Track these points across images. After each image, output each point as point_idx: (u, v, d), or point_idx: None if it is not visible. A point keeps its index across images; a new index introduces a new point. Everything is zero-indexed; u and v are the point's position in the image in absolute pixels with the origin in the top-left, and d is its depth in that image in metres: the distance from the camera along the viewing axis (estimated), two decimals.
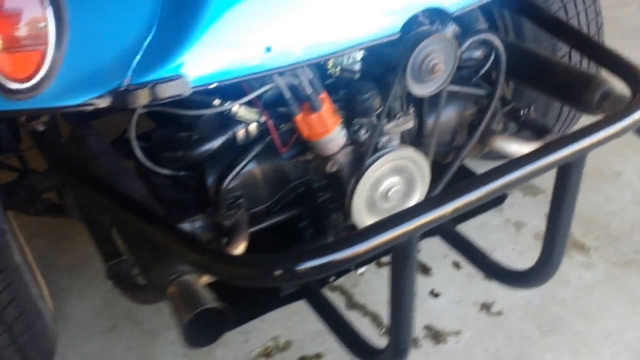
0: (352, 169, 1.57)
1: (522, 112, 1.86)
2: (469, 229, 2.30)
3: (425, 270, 2.21)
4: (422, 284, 2.15)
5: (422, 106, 1.68)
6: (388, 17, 1.38)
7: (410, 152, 1.59)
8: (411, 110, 1.64)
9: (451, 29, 1.57)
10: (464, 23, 1.68)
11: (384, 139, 1.59)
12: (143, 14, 1.21)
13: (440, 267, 2.21)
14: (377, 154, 1.55)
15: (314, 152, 1.54)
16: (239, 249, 1.48)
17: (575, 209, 2.31)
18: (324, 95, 1.47)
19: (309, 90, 1.41)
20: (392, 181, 1.59)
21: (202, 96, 1.39)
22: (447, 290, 2.13)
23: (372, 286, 2.16)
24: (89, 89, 1.17)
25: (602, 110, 1.63)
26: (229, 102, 1.41)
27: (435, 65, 1.45)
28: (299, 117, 1.45)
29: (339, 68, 1.49)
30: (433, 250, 2.25)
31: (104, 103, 1.18)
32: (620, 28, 3.53)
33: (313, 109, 1.43)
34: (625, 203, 2.42)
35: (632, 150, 2.65)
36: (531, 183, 2.52)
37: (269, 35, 1.26)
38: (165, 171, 1.54)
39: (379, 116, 1.56)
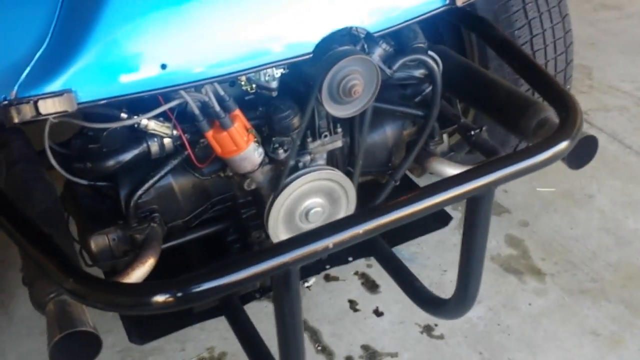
0: (270, 188, 1.53)
1: (472, 133, 1.80)
2: (426, 246, 2.27)
3: (374, 287, 2.17)
4: (368, 302, 2.12)
5: (352, 125, 1.63)
6: (297, 37, 1.34)
7: (331, 173, 1.55)
8: (339, 129, 1.59)
9: (378, 49, 1.52)
10: (402, 41, 1.63)
11: (306, 158, 1.56)
12: (36, 27, 1.19)
13: (389, 286, 2.16)
14: (295, 174, 1.52)
15: (231, 169, 1.51)
16: (147, 264, 1.46)
17: (538, 231, 2.26)
18: (236, 112, 1.43)
19: (216, 107, 1.38)
20: (313, 202, 1.56)
21: (109, 109, 1.36)
22: (391, 310, 2.09)
23: (315, 301, 2.13)
24: None
25: (538, 139, 1.56)
26: (136, 116, 1.38)
27: (353, 87, 1.40)
28: (209, 134, 1.42)
29: (254, 85, 1.45)
30: None
31: None
32: (620, 41, 3.42)
33: (222, 126, 1.40)
34: (592, 228, 2.33)
35: (608, 173, 2.56)
36: (496, 201, 2.45)
37: (165, 52, 1.24)
38: (82, 181, 1.52)
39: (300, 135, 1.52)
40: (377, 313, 2.08)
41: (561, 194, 2.48)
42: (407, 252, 2.28)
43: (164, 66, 1.24)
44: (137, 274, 1.45)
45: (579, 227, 2.34)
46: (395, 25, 1.43)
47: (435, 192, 1.21)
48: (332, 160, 1.63)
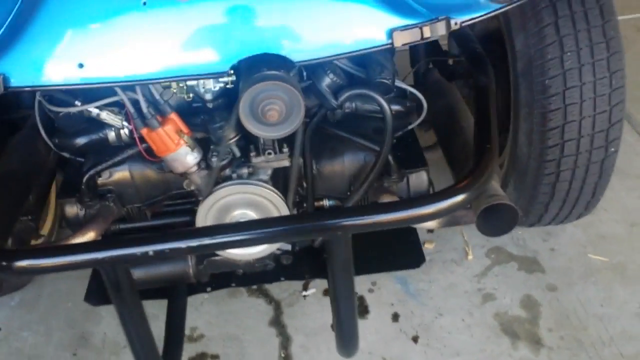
0: (206, 192, 1.63)
1: None
2: (436, 286, 2.19)
3: (364, 312, 2.15)
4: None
5: (302, 148, 1.66)
6: (211, 56, 1.41)
7: (259, 189, 1.60)
8: (285, 149, 1.63)
9: (326, 79, 1.54)
10: (368, 74, 1.62)
11: (244, 170, 1.63)
12: None
13: (379, 316, 2.13)
14: (223, 184, 1.60)
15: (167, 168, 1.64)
16: (85, 236, 1.66)
17: (562, 299, 2.05)
18: (171, 116, 1.56)
19: (144, 108, 1.51)
20: (241, 213, 1.62)
21: (64, 95, 1.57)
22: (367, 338, 2.05)
23: (304, 310, 2.17)
24: None
25: None
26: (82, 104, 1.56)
27: (269, 112, 1.44)
28: (143, 131, 1.56)
29: (191, 95, 1.55)
30: (385, 296, 2.17)
31: None
32: None
33: (150, 126, 1.53)
34: (626, 311, 2.05)
35: None
36: (535, 257, 2.26)
37: (82, 52, 1.39)
38: (64, 154, 1.75)
39: (241, 147, 1.60)
40: None
41: (612, 265, 2.20)
42: (414, 287, 2.21)
43: (81, 65, 1.40)
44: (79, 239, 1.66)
45: (612, 306, 2.07)
46: (322, 58, 1.43)
47: (264, 226, 1.22)
48: (278, 178, 1.67)
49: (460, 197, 1.26)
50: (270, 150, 1.62)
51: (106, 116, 1.60)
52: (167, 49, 1.41)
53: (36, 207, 1.81)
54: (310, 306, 2.19)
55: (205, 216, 1.61)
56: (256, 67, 1.43)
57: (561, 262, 2.25)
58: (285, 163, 1.65)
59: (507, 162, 2.16)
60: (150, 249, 1.22)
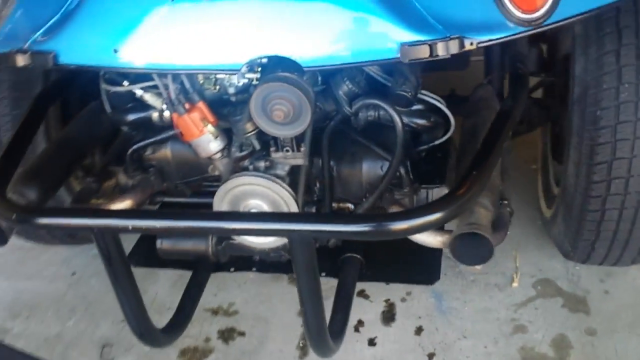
0: (223, 178, 1.74)
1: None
2: (470, 307, 2.15)
3: (390, 320, 2.16)
4: (373, 329, 2.12)
5: (319, 149, 1.71)
6: (225, 54, 1.50)
7: (270, 183, 1.67)
8: (303, 148, 1.69)
9: (343, 86, 1.59)
10: (392, 85, 1.64)
11: (261, 163, 1.71)
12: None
13: (403, 326, 2.13)
14: (239, 173, 1.69)
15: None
16: (123, 203, 1.84)
17: (599, 345, 1.99)
18: (199, 105, 1.67)
19: (173, 95, 1.65)
20: (254, 203, 1.71)
21: (115, 75, 1.75)
22: (385, 346, 2.07)
23: None
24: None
25: None
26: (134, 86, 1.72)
27: (275, 111, 1.51)
28: (173, 116, 1.70)
29: (217, 87, 1.66)
30: (416, 308, 2.17)
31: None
32: None
33: (177, 112, 1.67)
34: None
35: None
36: (584, 296, 2.14)
37: (117, 39, 1.55)
38: (123, 128, 1.95)
39: (263, 141, 1.69)
40: (371, 342, 2.09)
41: None
42: (447, 304, 2.19)
43: (115, 50, 1.55)
44: (115, 208, 1.85)
45: None
46: (330, 66, 1.47)
47: (226, 219, 1.30)
48: (295, 176, 1.73)
49: (426, 219, 1.25)
50: (288, 148, 1.69)
51: (148, 98, 1.76)
52: (188, 43, 1.52)
53: (100, 172, 2.02)
54: None
55: (220, 201, 1.72)
56: (273, 67, 1.50)
57: (611, 306, 2.11)
58: (300, 161, 1.71)
59: (559, 191, 2.07)
60: (130, 223, 1.35)
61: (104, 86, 1.79)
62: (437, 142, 1.77)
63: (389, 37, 1.44)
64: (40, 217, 1.41)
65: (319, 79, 1.62)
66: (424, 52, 1.41)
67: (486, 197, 1.46)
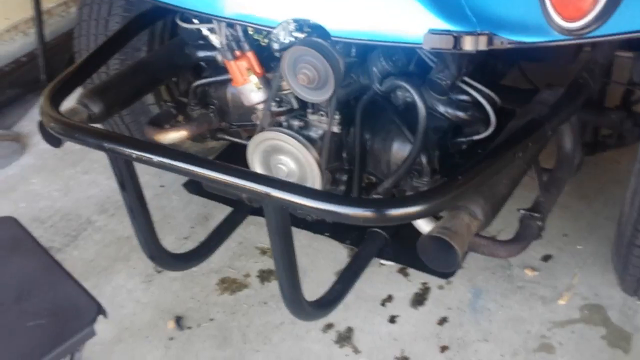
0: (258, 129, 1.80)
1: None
2: (502, 313, 2.07)
3: (419, 302, 2.13)
4: (399, 308, 2.12)
5: (350, 118, 1.70)
6: (261, 11, 1.53)
7: (295, 143, 1.70)
8: (337, 116, 1.69)
9: (378, 64, 1.56)
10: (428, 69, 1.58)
11: (297, 122, 1.74)
12: None
13: (428, 312, 2.10)
14: (272, 127, 1.74)
15: None
16: (179, 133, 1.98)
17: None
18: (248, 54, 1.73)
19: (223, 40, 1.71)
20: (282, 159, 1.76)
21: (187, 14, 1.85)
22: (404, 327, 2.06)
23: (371, 277, 2.22)
24: None
25: None
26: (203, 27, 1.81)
27: (300, 75, 1.53)
28: (225, 60, 1.77)
29: (266, 40, 1.70)
30: (449, 298, 2.12)
31: None
32: None
33: (226, 57, 1.74)
34: None
35: None
36: (629, 333, 1.96)
37: None
38: (202, 63, 2.06)
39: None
40: (392, 320, 2.09)
41: None
42: (483, 303, 2.11)
43: None
44: (170, 135, 2.00)
45: None
46: (356, 39, 1.45)
47: (205, 166, 1.35)
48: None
49: (393, 211, 1.22)
50: (323, 112, 1.70)
51: (213, 38, 1.84)
52: None
53: (177, 100, 2.16)
54: (377, 276, 2.23)
55: (253, 151, 1.78)
56: (312, 31, 1.51)
57: None
58: (335, 129, 1.71)
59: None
60: (134, 153, 1.46)
61: (178, 22, 1.89)
62: (475, 138, 1.68)
63: (417, 21, 1.38)
64: (65, 131, 1.55)
65: (353, 50, 1.59)
66: (447, 43, 1.34)
67: (477, 206, 1.38)
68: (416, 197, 1.30)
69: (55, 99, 1.65)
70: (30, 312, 1.44)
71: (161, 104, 2.28)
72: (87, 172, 2.89)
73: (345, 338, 2.04)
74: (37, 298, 1.47)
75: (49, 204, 2.69)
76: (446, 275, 2.12)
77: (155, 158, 1.43)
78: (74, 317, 1.41)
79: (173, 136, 2.00)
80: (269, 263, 2.32)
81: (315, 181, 1.74)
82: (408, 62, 1.63)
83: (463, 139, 1.69)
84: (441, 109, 1.62)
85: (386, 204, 1.25)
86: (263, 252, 2.37)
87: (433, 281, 2.19)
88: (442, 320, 2.06)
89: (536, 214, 1.63)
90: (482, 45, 1.34)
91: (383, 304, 2.14)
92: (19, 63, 3.42)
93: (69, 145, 3.16)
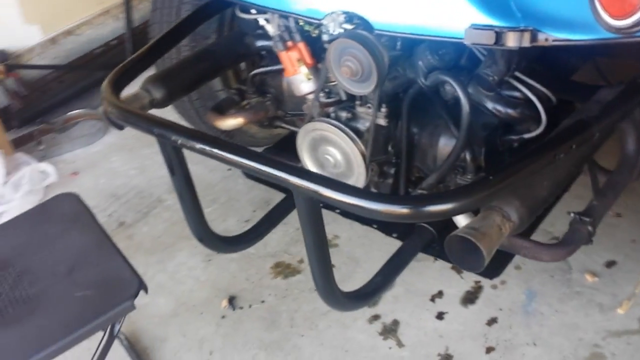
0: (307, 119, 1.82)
1: None
2: (555, 319, 2.01)
3: (469, 301, 2.10)
4: (448, 304, 2.10)
5: (397, 111, 1.69)
6: (310, 4, 1.55)
7: (340, 134, 1.71)
8: (383, 109, 1.69)
9: (424, 58, 1.55)
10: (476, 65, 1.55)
11: (345, 114, 1.75)
12: None
13: (479, 311, 2.07)
14: (317, 118, 1.76)
15: None
16: (236, 119, 2.04)
17: None
18: (299, 45, 1.76)
19: (277, 31, 1.75)
20: (329, 150, 1.77)
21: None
22: (451, 323, 2.04)
23: (422, 271, 2.22)
24: None
25: None
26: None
27: (342, 67, 1.55)
28: (277, 51, 1.81)
29: (316, 31, 1.71)
30: (502, 299, 2.08)
31: None
32: None
33: (278, 47, 1.77)
34: None
35: None
36: None
37: None
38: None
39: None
40: (440, 316, 2.07)
41: None
42: (536, 306, 2.06)
43: None
44: (228, 122, 2.07)
45: None
46: (398, 33, 1.44)
47: (239, 154, 1.39)
48: (377, 135, 1.74)
49: (418, 209, 1.21)
50: (370, 104, 1.70)
51: (269, 28, 1.87)
52: None
53: (241, 86, 2.21)
54: (430, 271, 2.22)
55: (302, 140, 1.81)
56: (359, 24, 1.52)
57: None
58: (382, 122, 1.71)
59: None
60: (179, 139, 1.52)
61: (237, 13, 1.94)
62: (526, 136, 1.63)
63: (460, 15, 1.35)
64: (120, 116, 1.62)
65: (399, 43, 1.57)
66: (488, 39, 1.32)
67: (512, 207, 1.34)
68: (438, 196, 1.29)
69: (117, 85, 1.73)
70: (79, 283, 1.54)
71: (225, 91, 2.34)
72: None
73: (390, 330, 2.05)
74: (87, 271, 1.57)
75: (125, 181, 2.84)
76: (491, 275, 2.07)
77: (198, 145, 1.48)
78: (117, 291, 1.50)
79: (230, 122, 2.06)
80: None
81: (360, 173, 1.74)
82: (457, 56, 1.60)
83: (514, 137, 1.64)
84: (489, 105, 1.59)
85: (407, 200, 1.24)
86: None
87: (486, 280, 2.14)
88: (492, 321, 2.02)
89: (586, 218, 1.57)
90: (526, 42, 1.30)
91: (432, 300, 2.12)
92: (109, 46, 3.61)
93: None
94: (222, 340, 2.10)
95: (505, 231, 1.33)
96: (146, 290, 1.54)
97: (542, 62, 1.82)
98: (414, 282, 2.18)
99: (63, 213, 1.75)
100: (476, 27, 1.32)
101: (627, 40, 1.24)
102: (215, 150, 1.45)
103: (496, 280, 2.14)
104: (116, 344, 2.08)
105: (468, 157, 1.61)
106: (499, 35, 1.30)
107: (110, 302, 1.47)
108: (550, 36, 1.29)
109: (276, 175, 1.36)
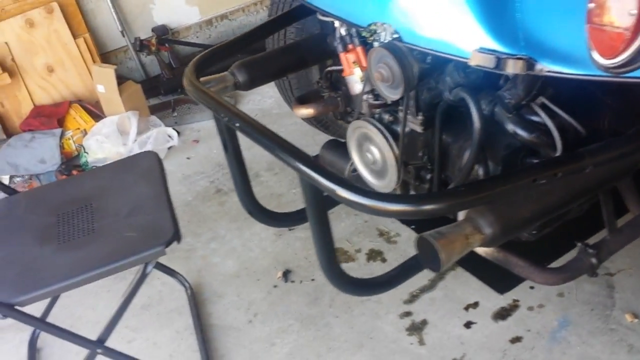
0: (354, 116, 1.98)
1: None
2: (580, 350, 2.01)
3: (501, 318, 2.14)
4: (481, 316, 2.15)
5: (433, 120, 1.80)
6: (358, 10, 1.71)
7: (376, 133, 1.84)
8: (419, 117, 1.81)
9: (452, 73, 1.65)
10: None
11: (387, 116, 1.89)
12: None
13: (508, 329, 2.11)
14: (364, 118, 1.92)
15: None
16: (305, 111, 2.25)
17: None
18: (357, 48, 1.92)
19: (338, 34, 1.92)
20: (371, 148, 1.92)
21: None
22: (478, 326, 2.10)
23: (452, 289, 2.29)
24: None
25: None
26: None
27: (376, 73, 1.70)
28: (339, 52, 1.99)
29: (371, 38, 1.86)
30: (534, 320, 2.10)
31: None
32: None
33: (337, 49, 1.95)
34: None
35: None
36: None
37: None
38: None
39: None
40: (467, 325, 2.13)
41: None
42: (565, 335, 2.05)
43: None
44: (301, 111, 2.29)
45: None
46: (419, 47, 1.56)
47: (263, 134, 1.59)
48: (411, 138, 1.86)
49: (392, 206, 1.33)
50: (407, 112, 1.82)
51: (342, 31, 2.05)
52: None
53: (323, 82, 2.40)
54: (472, 281, 2.27)
55: (351, 135, 1.96)
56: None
57: None
58: (417, 128, 1.82)
59: None
60: (226, 118, 1.75)
61: (318, 15, 2.13)
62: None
63: (471, 38, 1.44)
64: (194, 93, 1.89)
65: (429, 58, 1.68)
66: (489, 62, 1.39)
67: (485, 221, 1.41)
68: (412, 197, 1.39)
69: (199, 67, 2.00)
70: (131, 225, 1.84)
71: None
72: None
73: (417, 328, 2.15)
74: (141, 216, 1.87)
75: None
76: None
77: (237, 124, 1.72)
78: (155, 237, 1.77)
79: (303, 112, 2.27)
80: (381, 245, 2.49)
81: (393, 173, 1.87)
82: (486, 76, 1.67)
83: (535, 160, 1.68)
84: (508, 126, 1.64)
85: (383, 198, 1.36)
86: (381, 234, 2.55)
87: (525, 300, 2.17)
88: (516, 339, 2.06)
89: (591, 250, 1.58)
90: (521, 69, 1.37)
91: (466, 309, 2.19)
92: None
93: (260, 109, 3.62)
94: (268, 306, 2.33)
95: (473, 242, 1.40)
96: (179, 241, 1.79)
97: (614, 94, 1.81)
98: (455, 289, 2.26)
99: (141, 166, 2.07)
100: (482, 50, 1.41)
101: (618, 80, 1.27)
102: (248, 131, 1.68)
103: (535, 302, 2.15)
104: (182, 291, 2.41)
105: (480, 172, 1.68)
106: (499, 61, 1.38)
107: (146, 245, 1.74)
108: (545, 67, 1.34)
109: (285, 160, 1.55)
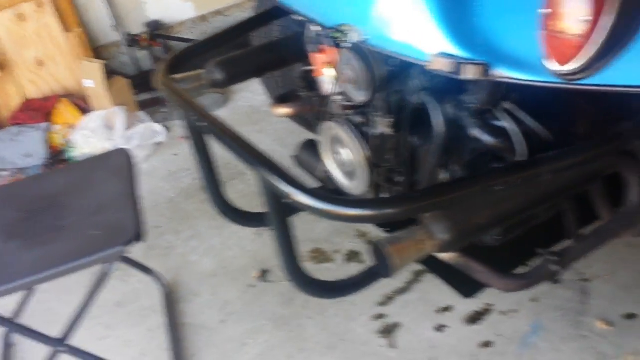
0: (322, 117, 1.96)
1: None
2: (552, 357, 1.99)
3: (473, 322, 2.13)
4: (449, 319, 2.14)
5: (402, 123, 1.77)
6: (328, 11, 1.69)
7: (347, 136, 1.83)
8: (389, 118, 1.79)
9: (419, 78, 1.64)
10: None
11: (359, 119, 1.87)
12: None
13: (478, 333, 2.09)
14: (335, 119, 1.90)
15: None
16: (282, 110, 2.24)
17: None
18: (329, 49, 1.90)
19: (312, 35, 1.90)
20: (339, 149, 1.91)
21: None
22: (446, 338, 2.09)
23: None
24: None
25: None
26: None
27: (342, 75, 1.68)
28: (309, 52, 1.97)
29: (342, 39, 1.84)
30: (505, 325, 2.08)
31: None
32: None
33: (310, 49, 1.93)
34: None
35: None
36: None
37: None
38: None
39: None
40: (438, 328, 2.12)
41: None
42: (536, 340, 2.02)
43: None
44: (278, 111, 2.28)
45: None
46: (384, 50, 1.53)
47: (228, 136, 1.58)
48: (382, 140, 1.83)
49: (336, 209, 1.32)
50: (380, 113, 1.80)
51: (313, 32, 2.03)
52: None
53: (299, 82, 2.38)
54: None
55: (322, 137, 1.95)
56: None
57: None
58: (387, 130, 1.80)
59: None
60: (191, 116, 1.74)
61: (292, 15, 2.11)
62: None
63: (431, 41, 1.42)
64: (165, 90, 1.88)
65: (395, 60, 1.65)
66: (448, 67, 1.37)
67: (440, 227, 1.39)
68: (366, 202, 1.37)
69: (173, 64, 2.00)
70: (96, 224, 1.83)
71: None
72: (261, 132, 3.31)
73: (388, 331, 2.14)
74: (106, 215, 1.86)
75: (220, 151, 3.13)
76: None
77: (200, 123, 1.71)
78: (117, 237, 1.76)
79: (280, 112, 2.26)
80: (360, 246, 2.47)
81: (362, 175, 1.85)
82: (452, 80, 1.64)
83: (499, 165, 1.65)
84: (473, 131, 1.61)
85: (333, 201, 1.34)
86: (361, 235, 2.53)
87: (498, 305, 2.14)
88: (486, 344, 2.03)
89: (552, 257, 1.56)
90: (474, 73, 1.35)
91: (439, 312, 2.17)
92: None
93: (250, 105, 3.62)
94: (242, 306, 2.32)
95: (425, 248, 1.39)
96: (139, 240, 1.78)
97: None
98: (431, 292, 2.24)
99: (112, 164, 2.06)
100: (441, 54, 1.39)
101: (573, 87, 1.24)
102: (213, 129, 1.67)
103: (508, 307, 2.13)
104: (157, 289, 2.40)
105: (443, 177, 1.66)
106: (457, 65, 1.36)
107: (107, 244, 1.74)
108: (502, 73, 1.32)
109: (246, 160, 1.54)
